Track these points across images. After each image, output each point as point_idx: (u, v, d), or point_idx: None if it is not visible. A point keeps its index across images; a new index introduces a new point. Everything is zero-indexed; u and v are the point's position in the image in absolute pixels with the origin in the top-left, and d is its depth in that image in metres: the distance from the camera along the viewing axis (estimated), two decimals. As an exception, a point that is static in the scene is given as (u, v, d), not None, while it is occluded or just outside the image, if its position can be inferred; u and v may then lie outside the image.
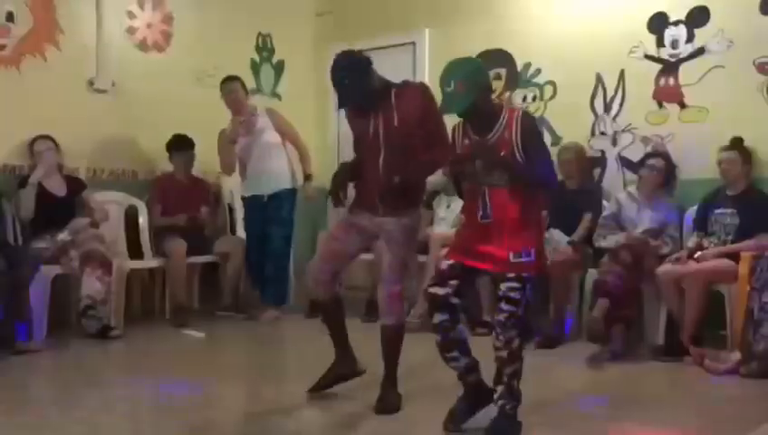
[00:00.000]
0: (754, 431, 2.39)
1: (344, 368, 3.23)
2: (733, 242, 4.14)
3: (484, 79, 2.74)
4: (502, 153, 2.66)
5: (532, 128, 2.74)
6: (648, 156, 4.67)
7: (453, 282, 2.71)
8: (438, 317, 2.71)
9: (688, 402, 3.32)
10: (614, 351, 4.05)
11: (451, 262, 2.74)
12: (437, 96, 2.81)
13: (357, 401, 3.14)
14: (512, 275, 2.63)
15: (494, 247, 2.67)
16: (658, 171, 4.50)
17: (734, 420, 2.94)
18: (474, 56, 2.81)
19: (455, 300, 2.70)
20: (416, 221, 3.13)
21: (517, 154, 2.67)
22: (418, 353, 3.27)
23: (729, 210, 4.22)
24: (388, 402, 3.03)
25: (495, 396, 2.70)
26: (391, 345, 3.09)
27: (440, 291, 2.71)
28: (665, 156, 4.63)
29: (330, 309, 3.24)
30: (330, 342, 3.27)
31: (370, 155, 3.05)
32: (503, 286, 2.63)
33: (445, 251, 4.67)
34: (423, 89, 3.12)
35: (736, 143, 4.33)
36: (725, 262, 4.04)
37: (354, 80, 2.99)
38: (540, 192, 2.80)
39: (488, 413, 2.75)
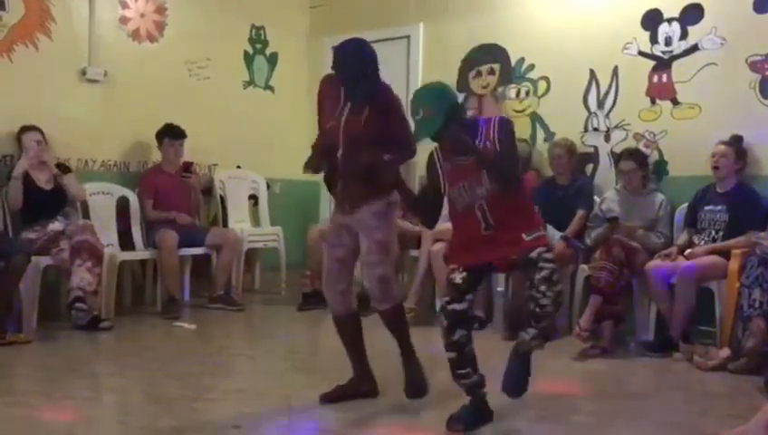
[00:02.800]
0: (747, 423, 2.40)
1: (361, 386, 3.15)
2: (723, 238, 4.16)
3: (451, 101, 2.72)
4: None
5: (508, 129, 2.75)
6: (619, 158, 4.68)
7: (469, 296, 2.74)
8: (458, 334, 2.71)
9: (677, 398, 3.34)
10: (603, 346, 4.07)
11: (464, 274, 2.73)
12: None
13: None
14: (535, 254, 2.63)
15: (505, 246, 2.69)
16: (633, 172, 4.52)
17: (723, 416, 2.96)
18: (440, 82, 2.80)
19: (471, 311, 2.76)
20: (387, 207, 3.03)
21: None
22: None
23: (719, 207, 4.24)
24: (418, 383, 3.02)
25: (527, 336, 2.67)
26: (396, 325, 3.07)
27: (458, 307, 2.72)
28: (637, 154, 4.63)
29: (348, 325, 3.15)
30: (323, 334, 3.26)
31: (333, 146, 2.98)
32: (533, 254, 2.62)
33: (437, 246, 4.75)
34: (392, 97, 3.03)
35: (734, 140, 4.34)
36: (715, 259, 4.06)
37: (372, 75, 2.95)
38: (510, 187, 2.75)
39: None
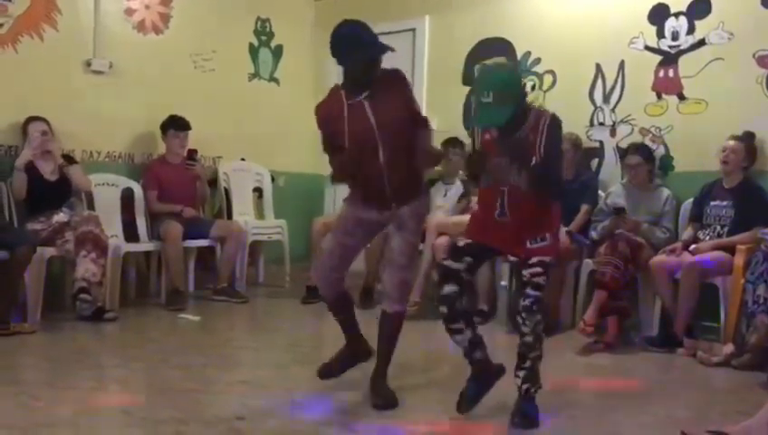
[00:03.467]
0: (751, 419, 2.40)
1: (355, 350, 3.17)
2: (728, 234, 4.14)
3: (521, 87, 2.71)
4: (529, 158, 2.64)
5: (557, 136, 2.71)
6: (625, 152, 4.66)
7: (467, 259, 2.75)
8: (448, 289, 2.73)
9: (681, 393, 3.33)
10: (608, 341, 4.06)
11: (468, 241, 2.77)
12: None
13: (357, 390, 3.14)
14: (534, 260, 2.68)
15: (512, 241, 2.72)
16: (639, 166, 4.50)
17: (726, 412, 2.95)
18: (505, 60, 2.75)
19: (466, 275, 2.76)
20: (426, 206, 3.14)
21: (537, 156, 2.65)
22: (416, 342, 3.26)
23: (725, 203, 4.23)
24: (388, 396, 2.99)
25: (519, 381, 2.74)
26: (391, 333, 3.05)
27: (453, 265, 2.75)
28: (643, 149, 4.62)
29: (340, 306, 3.16)
30: (327, 327, 3.27)
31: (368, 150, 2.89)
32: (526, 272, 2.69)
33: (441, 240, 4.75)
34: (400, 75, 2.99)
35: (747, 136, 4.31)
36: (720, 254, 4.04)
37: (372, 39, 2.86)
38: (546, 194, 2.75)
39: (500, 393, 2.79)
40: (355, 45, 2.85)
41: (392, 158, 2.90)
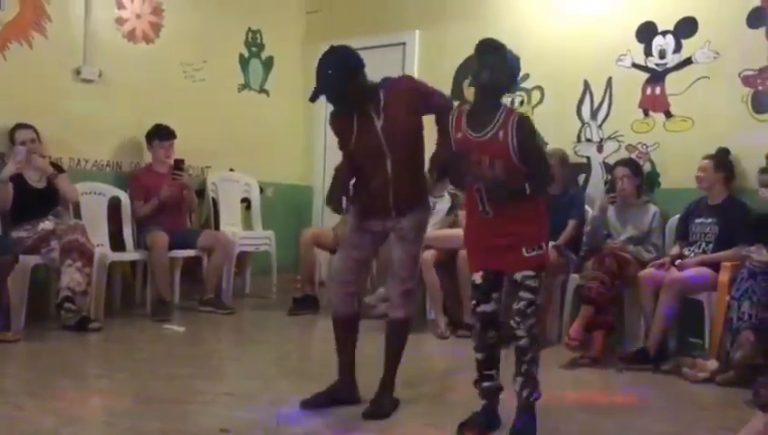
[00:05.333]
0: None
1: (344, 392, 3.12)
2: (712, 251, 4.17)
3: (511, 74, 2.75)
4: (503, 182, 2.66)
5: (530, 133, 2.72)
6: (615, 165, 4.69)
7: (495, 295, 2.76)
8: (491, 335, 2.76)
9: (666, 409, 3.34)
10: (593, 356, 4.07)
11: (481, 274, 2.76)
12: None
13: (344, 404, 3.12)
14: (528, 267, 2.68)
15: (507, 241, 2.68)
16: (627, 177, 4.53)
17: (711, 428, 2.97)
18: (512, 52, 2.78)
19: (498, 311, 2.76)
20: (427, 217, 3.16)
21: (513, 156, 2.66)
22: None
23: (709, 220, 4.26)
24: (382, 406, 2.98)
25: (517, 386, 2.71)
26: (397, 340, 3.05)
27: (488, 308, 2.75)
28: (632, 163, 4.66)
29: (348, 327, 3.12)
30: (313, 339, 3.25)
31: (375, 160, 2.94)
32: (518, 275, 2.67)
33: (428, 253, 4.75)
34: (406, 79, 3.06)
35: (717, 154, 4.37)
36: (705, 270, 4.07)
37: (340, 74, 2.87)
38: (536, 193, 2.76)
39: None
40: (324, 85, 2.90)
41: (399, 168, 2.94)
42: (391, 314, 3.07)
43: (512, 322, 2.69)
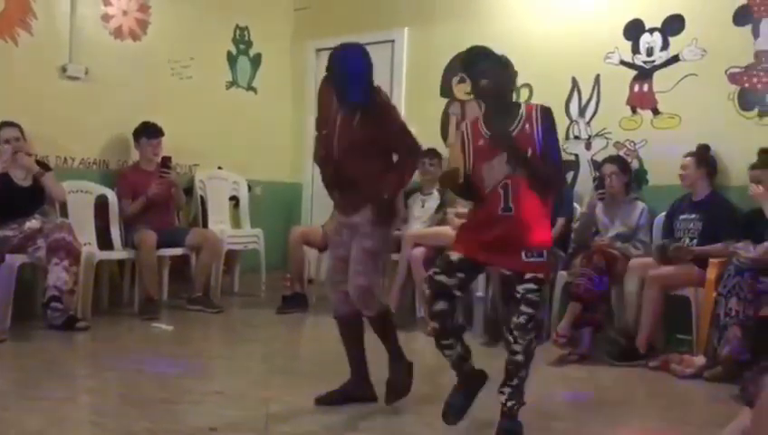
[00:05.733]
0: (723, 431, 2.43)
1: (357, 390, 3.11)
2: (697, 246, 4.18)
3: (513, 74, 2.81)
4: (525, 150, 2.66)
5: (551, 123, 2.74)
6: (603, 162, 4.71)
7: (460, 274, 2.70)
8: (440, 305, 2.69)
9: (654, 405, 3.36)
10: (582, 353, 4.09)
11: (461, 255, 2.71)
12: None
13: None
14: (529, 276, 2.64)
15: (509, 240, 2.65)
16: (615, 174, 4.55)
17: (699, 423, 2.98)
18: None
19: (457, 292, 2.71)
20: (383, 211, 3.00)
21: (537, 148, 2.67)
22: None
23: (693, 216, 4.29)
24: (400, 384, 3.02)
25: (504, 398, 2.70)
26: (381, 331, 3.07)
27: (447, 281, 2.69)
28: (620, 160, 4.68)
29: (349, 326, 3.11)
30: (302, 337, 3.24)
31: (328, 156, 3.00)
32: (520, 288, 2.64)
33: (417, 251, 4.76)
34: (388, 107, 3.05)
35: (697, 150, 4.39)
36: (692, 267, 4.09)
37: (363, 80, 2.91)
38: (549, 190, 2.77)
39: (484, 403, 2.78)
40: (346, 85, 2.92)
41: (344, 167, 2.95)
42: (364, 313, 3.06)
43: (509, 336, 2.66)
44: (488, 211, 2.73)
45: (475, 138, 2.77)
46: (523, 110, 2.72)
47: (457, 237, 2.85)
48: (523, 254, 2.64)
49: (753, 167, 4.16)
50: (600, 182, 4.56)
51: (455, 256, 2.72)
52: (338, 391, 3.10)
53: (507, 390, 2.70)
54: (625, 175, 4.59)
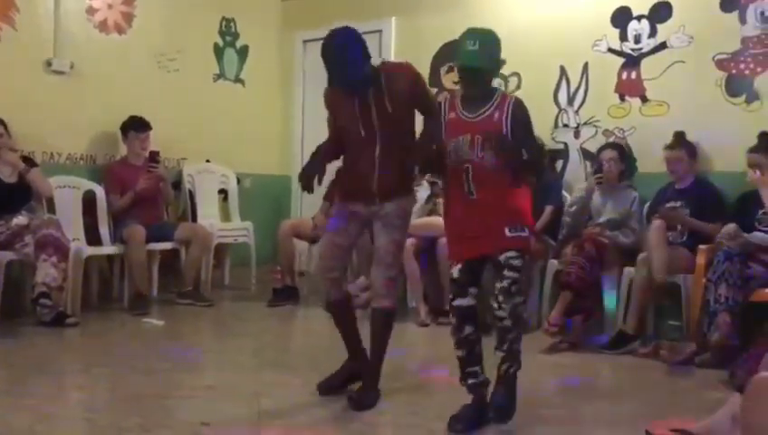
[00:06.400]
0: (713, 416, 2.44)
1: (354, 367, 3.11)
2: (688, 234, 4.20)
3: (499, 59, 2.74)
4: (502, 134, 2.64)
5: (523, 115, 2.72)
6: (602, 147, 4.72)
7: (472, 289, 2.71)
8: (467, 330, 2.70)
9: (644, 391, 3.37)
10: (573, 340, 4.10)
11: (459, 266, 2.72)
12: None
13: (326, 395, 3.12)
14: (512, 247, 2.64)
15: (490, 220, 2.65)
16: (615, 162, 4.56)
17: (689, 410, 2.99)
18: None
19: (476, 306, 2.72)
20: (411, 204, 3.12)
21: (506, 134, 2.65)
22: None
23: (678, 203, 4.31)
24: (368, 397, 2.97)
25: (499, 363, 2.69)
26: (383, 330, 3.04)
27: (464, 302, 2.70)
28: (619, 147, 4.69)
29: (342, 309, 3.12)
30: (293, 330, 3.23)
31: (364, 144, 2.95)
32: (502, 256, 2.63)
33: (409, 241, 4.73)
34: (410, 69, 3.01)
35: (680, 139, 4.41)
36: (683, 252, 4.11)
37: (355, 56, 2.85)
38: (528, 176, 2.76)
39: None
40: (336, 66, 2.86)
41: (387, 155, 2.93)
42: (375, 303, 3.04)
43: (494, 303, 2.63)
44: (455, 194, 2.74)
45: (449, 110, 2.76)
46: (498, 99, 2.71)
47: (448, 239, 2.85)
48: (506, 230, 2.65)
49: (751, 150, 4.09)
50: (598, 167, 4.55)
51: (455, 271, 2.74)
52: (338, 372, 3.10)
53: (500, 353, 2.68)
54: (622, 162, 4.60)
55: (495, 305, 2.64)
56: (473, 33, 2.68)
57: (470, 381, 2.76)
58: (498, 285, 2.63)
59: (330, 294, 3.09)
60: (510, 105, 2.69)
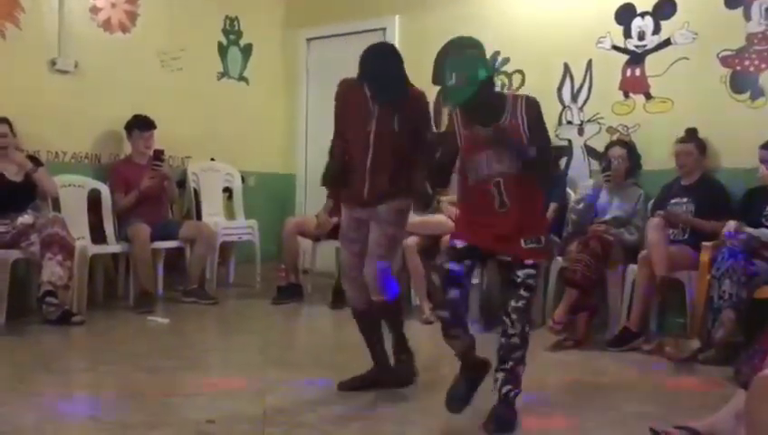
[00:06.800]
0: (717, 413, 2.44)
1: (381, 376, 3.15)
2: (690, 231, 4.20)
3: (486, 70, 2.70)
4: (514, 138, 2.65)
5: (538, 113, 2.73)
6: (611, 145, 4.72)
7: (467, 262, 2.69)
8: (452, 293, 2.66)
9: (648, 388, 3.37)
10: (577, 338, 4.10)
11: (466, 243, 2.71)
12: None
13: (331, 393, 3.13)
14: (530, 262, 2.66)
15: (509, 233, 2.66)
16: (623, 160, 4.56)
17: (693, 407, 3.00)
18: (476, 40, 2.77)
19: (467, 280, 2.71)
20: (405, 204, 3.12)
21: (524, 138, 2.67)
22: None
23: (684, 200, 4.31)
24: (403, 372, 3.10)
25: (498, 383, 2.69)
26: (388, 318, 3.11)
27: (456, 268, 2.68)
28: (628, 145, 4.69)
29: (366, 319, 3.15)
30: (298, 328, 3.24)
31: (361, 147, 3.01)
32: (521, 273, 2.65)
33: (411, 240, 4.75)
34: (425, 100, 3.14)
35: (691, 134, 4.41)
36: (686, 249, 4.10)
37: (399, 72, 2.99)
38: (541, 177, 2.77)
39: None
40: (384, 82, 2.98)
41: (377, 162, 2.98)
42: (373, 296, 3.07)
43: (506, 319, 2.66)
44: (483, 207, 2.73)
45: (463, 126, 2.77)
46: (508, 102, 2.72)
47: (458, 226, 2.86)
48: (522, 241, 2.66)
49: (763, 146, 4.05)
50: (607, 165, 4.53)
51: (460, 243, 2.72)
52: (362, 376, 3.14)
53: (501, 374, 2.70)
54: (630, 160, 4.59)
55: (509, 322, 2.66)
56: (450, 62, 2.73)
57: (453, 343, 2.71)
58: (513, 304, 2.66)
59: (353, 305, 3.15)
60: (523, 105, 2.69)
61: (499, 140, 2.63)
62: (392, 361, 3.19)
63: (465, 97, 2.63)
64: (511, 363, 2.69)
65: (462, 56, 2.78)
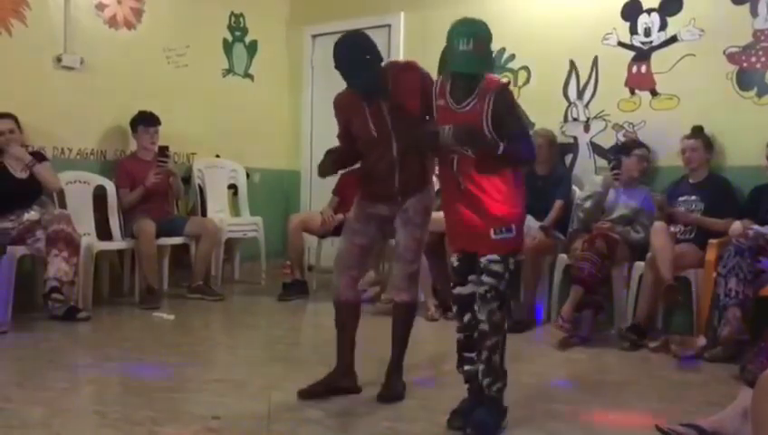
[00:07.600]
0: (724, 410, 2.44)
1: (343, 380, 3.09)
2: (697, 229, 4.19)
3: (491, 51, 2.68)
4: (473, 126, 2.58)
5: (505, 103, 2.61)
6: (631, 145, 4.69)
7: (471, 277, 2.69)
8: (467, 317, 2.70)
9: (654, 386, 3.37)
10: (583, 335, 4.10)
11: (457, 256, 2.72)
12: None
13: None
14: (494, 256, 2.60)
15: (477, 218, 2.61)
16: (642, 159, 4.56)
17: (699, 404, 2.99)
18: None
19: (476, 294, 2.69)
20: (432, 199, 3.09)
21: (485, 127, 2.58)
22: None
23: (693, 197, 4.30)
24: (395, 390, 3.01)
25: (480, 375, 2.64)
26: (404, 324, 3.07)
27: (464, 290, 2.70)
28: (647, 146, 4.68)
29: (350, 311, 3.11)
30: (303, 324, 3.24)
31: (381, 145, 2.95)
32: (483, 259, 2.60)
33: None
34: (417, 68, 3.00)
35: (698, 131, 4.40)
36: (692, 247, 4.10)
37: (371, 62, 2.89)
38: (514, 166, 2.67)
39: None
40: (353, 70, 2.89)
41: (405, 152, 2.94)
42: (396, 297, 3.07)
43: (475, 306, 2.64)
44: (447, 183, 2.71)
45: (439, 96, 2.71)
46: (482, 85, 2.60)
47: (446, 229, 2.84)
48: (492, 232, 2.59)
49: None
50: (616, 163, 4.50)
51: (454, 260, 2.75)
52: (320, 382, 3.07)
53: (481, 367, 2.63)
54: (648, 162, 4.61)
55: (476, 311, 2.64)
56: (462, 28, 2.59)
57: (466, 368, 2.75)
58: (478, 291, 2.62)
59: (340, 292, 3.08)
60: (492, 97, 2.58)
61: (458, 140, 2.58)
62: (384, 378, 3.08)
63: (478, 68, 2.57)
64: (485, 353, 2.61)
65: (481, 25, 2.65)
